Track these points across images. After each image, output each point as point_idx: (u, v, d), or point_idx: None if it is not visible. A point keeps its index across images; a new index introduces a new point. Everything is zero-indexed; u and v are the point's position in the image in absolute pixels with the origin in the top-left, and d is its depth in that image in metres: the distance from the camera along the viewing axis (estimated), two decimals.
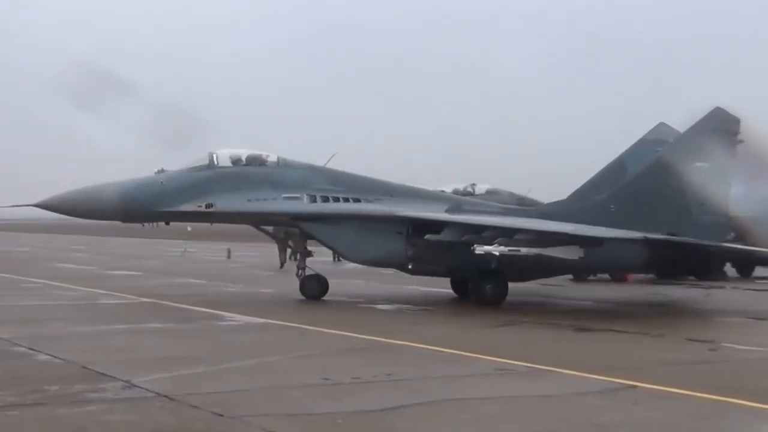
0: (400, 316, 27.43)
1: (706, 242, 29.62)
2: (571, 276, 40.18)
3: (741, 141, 30.73)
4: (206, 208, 30.63)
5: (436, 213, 30.84)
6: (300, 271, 32.48)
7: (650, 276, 43.16)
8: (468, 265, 29.78)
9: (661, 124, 34.95)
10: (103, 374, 15.69)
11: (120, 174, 33.63)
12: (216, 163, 31.16)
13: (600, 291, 37.72)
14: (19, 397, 13.59)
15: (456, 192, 52.21)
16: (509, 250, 28.53)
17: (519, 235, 28.59)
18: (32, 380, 15.08)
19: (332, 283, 32.57)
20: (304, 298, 31.56)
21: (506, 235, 28.72)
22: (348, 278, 36.30)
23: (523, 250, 28.53)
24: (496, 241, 28.76)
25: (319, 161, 32.41)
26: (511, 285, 30.66)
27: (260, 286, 36.49)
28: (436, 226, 29.59)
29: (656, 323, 26.61)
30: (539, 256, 28.47)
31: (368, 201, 31.57)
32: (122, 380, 15.06)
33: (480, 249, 28.84)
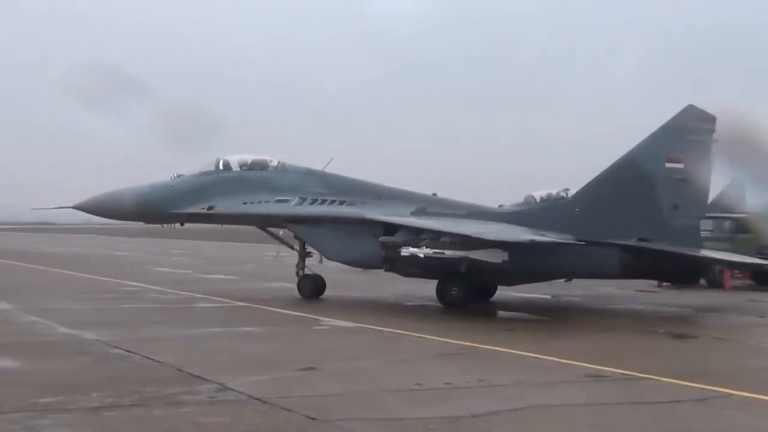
0: (492, 322, 27.29)
1: (660, 246, 28.40)
2: (656, 282, 39.28)
3: (716, 140, 29.07)
4: (208, 210, 33.09)
5: (401, 216, 30.91)
6: (299, 271, 33.81)
7: (748, 283, 42.36)
8: (437, 267, 29.36)
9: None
10: (197, 377, 15.88)
11: (149, 176, 35.60)
12: (221, 167, 33.59)
13: (696, 298, 37.02)
14: (116, 399, 13.83)
15: (549, 197, 51.88)
16: (434, 252, 28.37)
17: (444, 237, 28.38)
18: (129, 382, 15.33)
19: (424, 286, 32.55)
20: (301, 297, 32.83)
21: (434, 237, 28.58)
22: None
23: (448, 253, 28.30)
24: (422, 243, 28.70)
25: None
26: (515, 288, 30.58)
27: (351, 290, 36.60)
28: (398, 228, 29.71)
29: (752, 331, 26.07)
30: (526, 260, 28.13)
31: (354, 203, 32.42)
32: (216, 383, 15.23)
33: (406, 251, 28.89)
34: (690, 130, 28.93)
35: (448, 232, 28.15)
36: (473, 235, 27.17)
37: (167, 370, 16.73)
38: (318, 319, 25.98)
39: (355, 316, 26.64)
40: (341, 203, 32.56)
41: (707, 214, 42.55)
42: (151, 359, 17.94)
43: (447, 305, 29.66)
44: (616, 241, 28.40)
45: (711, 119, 28.98)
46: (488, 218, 31.20)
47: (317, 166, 34.62)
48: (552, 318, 28.53)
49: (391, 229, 29.89)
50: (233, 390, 14.64)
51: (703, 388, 15.49)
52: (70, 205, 36.22)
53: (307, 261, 34.60)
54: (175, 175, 34.18)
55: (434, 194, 33.68)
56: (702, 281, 43.95)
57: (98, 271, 48.07)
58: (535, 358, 18.96)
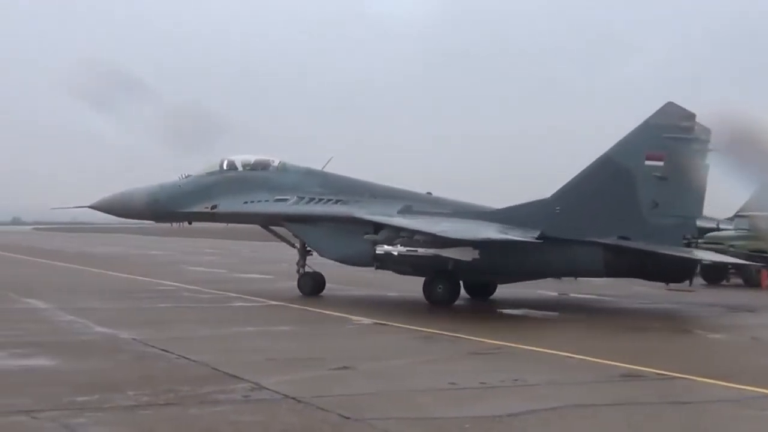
0: (526, 321, 27.20)
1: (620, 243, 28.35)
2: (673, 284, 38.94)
3: (695, 138, 28.74)
4: (211, 209, 34.12)
5: (388, 214, 31.32)
6: (300, 269, 34.31)
7: None
8: (425, 265, 29.65)
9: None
10: (232, 376, 15.95)
11: (160, 176, 37.22)
12: (225, 168, 34.60)
13: (732, 297, 36.76)
14: (152, 397, 13.92)
15: None
16: (407, 250, 28.87)
17: (417, 236, 28.69)
18: (165, 381, 15.42)
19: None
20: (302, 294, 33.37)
21: (409, 235, 29.04)
22: None
23: (420, 251, 28.77)
24: (397, 240, 29.19)
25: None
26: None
27: (388, 289, 36.58)
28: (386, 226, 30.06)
29: None
30: (506, 258, 28.73)
31: (350, 202, 32.94)
32: (251, 382, 15.28)
33: (380, 249, 29.48)
34: (669, 127, 28.68)
35: (417, 230, 28.62)
36: (438, 233, 27.65)
37: (202, 369, 16.81)
38: (351, 319, 26.01)
39: (387, 315, 26.64)
40: (337, 202, 33.13)
41: (743, 213, 42.30)
42: (187, 358, 18.03)
43: (433, 303, 29.95)
44: (595, 239, 28.50)
45: (690, 117, 28.73)
46: (472, 216, 31.30)
47: (332, 164, 35.35)
48: (584, 317, 28.41)
49: (380, 228, 30.26)
50: (268, 389, 14.69)
51: (740, 389, 15.38)
52: (87, 204, 37.50)
53: (310, 259, 34.90)
54: (184, 175, 35.17)
55: (429, 193, 34.17)
56: (739, 280, 43.74)
57: (134, 270, 48.37)
58: (569, 357, 18.89)
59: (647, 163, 28.55)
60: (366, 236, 29.98)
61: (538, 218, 29.48)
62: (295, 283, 34.42)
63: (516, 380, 16.03)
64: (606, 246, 28.46)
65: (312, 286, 33.94)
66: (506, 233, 27.79)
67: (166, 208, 34.99)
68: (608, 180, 28.94)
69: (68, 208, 44.55)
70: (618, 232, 28.54)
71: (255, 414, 12.95)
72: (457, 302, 31.58)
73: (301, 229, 33.65)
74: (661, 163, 28.51)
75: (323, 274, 34.48)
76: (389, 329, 23.95)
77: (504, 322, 27.10)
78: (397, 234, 29.34)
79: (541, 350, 19.76)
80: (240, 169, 34.78)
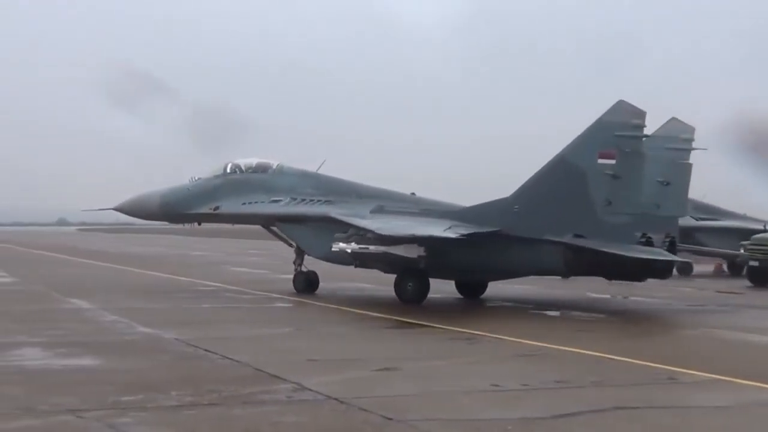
0: (568, 323, 27.03)
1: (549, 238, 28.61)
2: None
3: (646, 135, 28.67)
4: (214, 210, 35.87)
5: (361, 214, 32.22)
6: (297, 267, 35.39)
7: None
8: (396, 263, 30.35)
9: (674, 120, 32.65)
10: (275, 376, 15.99)
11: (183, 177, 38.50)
12: (228, 171, 36.15)
13: None
14: (195, 398, 13.98)
15: None
16: (360, 248, 29.62)
17: (369, 234, 29.39)
18: (208, 381, 15.49)
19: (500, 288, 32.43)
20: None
21: (362, 234, 29.88)
22: (517, 283, 36.01)
23: (371, 248, 29.43)
24: (352, 239, 30.00)
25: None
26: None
27: (431, 291, 36.44)
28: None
29: None
30: (466, 256, 29.49)
31: (336, 202, 33.92)
32: (294, 382, 15.31)
33: (336, 246, 30.25)
34: (620, 125, 28.52)
35: (363, 227, 29.78)
36: (374, 230, 29.06)
37: (245, 370, 16.87)
38: (394, 319, 25.99)
39: (428, 316, 26.58)
40: (326, 203, 34.10)
41: None
42: (230, 358, 18.11)
43: (404, 301, 30.36)
44: (553, 238, 28.73)
45: (641, 114, 28.63)
46: (438, 215, 31.82)
47: (345, 165, 36.07)
48: (629, 320, 28.19)
49: (359, 227, 30.83)
50: (310, 390, 14.71)
51: None
52: (112, 206, 39.54)
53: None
54: (195, 178, 36.88)
55: (413, 193, 34.88)
56: None
57: (176, 270, 48.66)
58: (612, 359, 18.76)
59: (599, 161, 28.59)
60: (336, 235, 30.81)
61: (498, 217, 29.93)
62: (336, 284, 34.79)
63: (558, 382, 15.96)
64: (566, 245, 28.70)
65: (304, 283, 35.04)
66: (449, 231, 28.57)
67: (176, 210, 36.78)
68: (563, 179, 29.13)
69: (96, 210, 46.61)
70: (573, 230, 28.70)
71: (297, 415, 12.98)
72: (499, 304, 31.51)
73: (289, 228, 35.23)
74: (612, 162, 28.50)
75: (317, 272, 35.56)
76: (431, 330, 23.90)
77: (545, 323, 26.96)
78: (357, 232, 30.15)
79: (584, 352, 19.62)
80: (242, 172, 36.19)
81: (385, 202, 33.64)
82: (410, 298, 30.44)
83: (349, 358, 18.78)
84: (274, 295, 33.65)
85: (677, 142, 31.97)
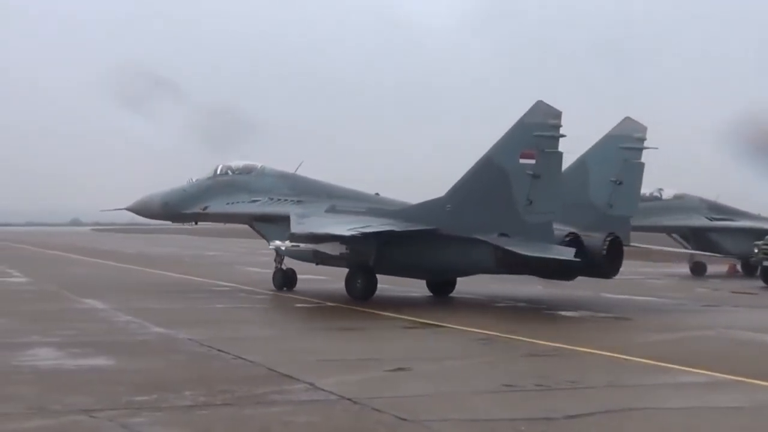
0: (582, 323, 26.98)
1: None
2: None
3: (563, 135, 28.83)
4: (203, 210, 37.95)
5: (316, 213, 33.96)
6: (276, 264, 36.66)
7: None
8: (351, 260, 31.75)
9: (627, 119, 33.23)
10: (288, 376, 15.99)
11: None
12: (218, 173, 37.95)
13: None
14: (208, 398, 13.99)
15: (642, 197, 51.24)
16: (291, 245, 31.03)
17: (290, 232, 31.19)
18: (221, 381, 15.50)
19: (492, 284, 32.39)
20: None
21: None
22: (531, 283, 36.00)
23: (302, 246, 30.94)
24: (287, 236, 31.29)
25: None
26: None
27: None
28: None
29: None
30: (399, 254, 30.98)
31: (306, 202, 35.38)
32: (306, 382, 15.31)
33: (272, 244, 32.13)
34: (539, 126, 28.88)
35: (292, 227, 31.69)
36: (292, 230, 31.37)
37: (258, 370, 16.87)
38: (406, 320, 25.97)
39: (441, 316, 26.53)
40: (298, 203, 35.41)
41: None
42: (243, 359, 18.12)
43: (353, 297, 31.37)
44: (479, 237, 29.32)
45: (557, 115, 28.89)
46: (381, 215, 32.75)
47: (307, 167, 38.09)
48: (640, 319, 28.06)
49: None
50: (323, 390, 14.70)
51: None
52: (124, 207, 41.93)
53: None
54: (193, 179, 38.82)
55: (377, 194, 35.76)
56: None
57: (189, 270, 48.76)
58: (626, 359, 18.70)
59: (521, 161, 29.01)
60: (290, 233, 31.97)
61: (433, 216, 30.75)
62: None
63: (572, 382, 15.91)
64: (490, 243, 29.30)
65: (282, 280, 36.27)
66: (352, 230, 29.87)
67: (174, 210, 38.88)
68: (489, 178, 29.67)
69: (112, 210, 48.18)
70: (499, 229, 29.17)
71: (310, 415, 12.98)
72: (512, 305, 31.45)
73: (264, 227, 36.60)
74: (533, 161, 28.85)
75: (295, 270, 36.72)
76: (444, 330, 23.88)
77: (559, 323, 26.91)
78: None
79: (597, 352, 19.57)
80: (230, 174, 37.90)
81: (338, 201, 34.91)
82: (359, 294, 31.54)
83: (362, 358, 18.77)
84: (286, 296, 33.67)
85: (630, 142, 32.65)
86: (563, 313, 29.29)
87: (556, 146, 28.86)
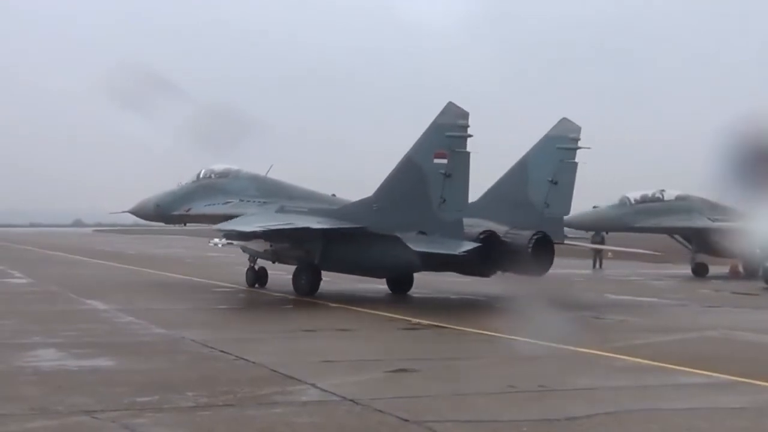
0: (584, 324, 26.95)
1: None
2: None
3: (470, 135, 29.61)
4: (186, 211, 39.48)
5: (267, 213, 35.11)
6: (250, 263, 38.10)
7: None
8: (296, 257, 34.00)
9: (564, 120, 33.90)
10: (290, 377, 15.99)
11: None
12: (202, 176, 39.51)
13: None
14: (211, 399, 14.00)
15: (644, 198, 51.26)
16: (227, 242, 32.69)
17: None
18: (223, 382, 15.51)
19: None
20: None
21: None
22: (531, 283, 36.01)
23: (235, 243, 33.26)
24: (224, 234, 33.78)
25: None
26: None
27: (449, 292, 36.53)
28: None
29: None
30: (334, 251, 32.36)
31: (269, 203, 36.59)
32: (309, 383, 15.32)
33: (211, 242, 33.56)
34: (450, 126, 29.73)
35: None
36: (217, 228, 34.53)
37: (260, 371, 16.87)
38: (409, 320, 25.97)
39: (444, 316, 26.54)
40: (263, 204, 36.63)
41: None
42: (245, 359, 18.12)
43: (299, 294, 33.09)
44: (400, 235, 30.02)
45: (465, 115, 29.71)
46: (319, 214, 33.86)
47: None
48: (643, 320, 28.05)
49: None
50: (326, 390, 14.71)
51: None
52: (127, 209, 43.75)
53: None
54: (182, 182, 40.32)
55: (333, 195, 36.89)
56: None
57: (191, 272, 48.71)
58: (628, 360, 18.71)
59: (435, 161, 29.84)
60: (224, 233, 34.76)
61: (363, 215, 31.83)
62: (352, 285, 35.08)
63: (577, 384, 15.92)
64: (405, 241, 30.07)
65: (253, 279, 37.81)
66: (256, 226, 31.99)
67: (166, 212, 40.50)
68: (409, 178, 30.48)
69: (118, 212, 48.83)
70: (418, 227, 29.96)
71: (312, 416, 12.98)
72: (514, 304, 31.42)
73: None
74: (445, 161, 29.65)
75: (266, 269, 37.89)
76: (447, 331, 23.88)
77: (562, 324, 26.79)
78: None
79: (600, 353, 19.56)
80: (212, 176, 39.58)
81: (290, 202, 36.05)
82: (303, 290, 33.16)
83: (365, 359, 18.78)
84: (290, 297, 33.67)
85: (566, 142, 33.32)
86: (564, 313, 29.26)
87: (465, 146, 29.73)
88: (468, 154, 29.67)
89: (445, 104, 30.06)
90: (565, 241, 35.82)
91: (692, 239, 51.18)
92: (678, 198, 51.20)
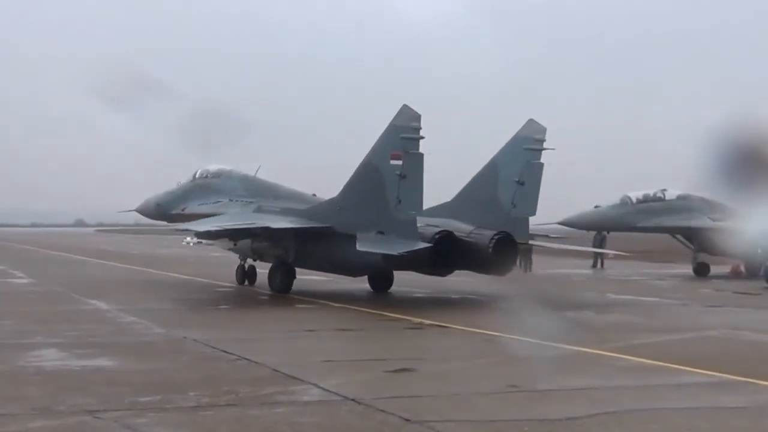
0: (585, 324, 26.94)
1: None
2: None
3: (422, 137, 30.16)
4: (182, 211, 40.15)
5: (246, 212, 36.37)
6: (240, 261, 38.71)
7: None
8: (277, 256, 34.75)
9: (531, 121, 34.23)
10: (293, 377, 16.02)
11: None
12: (198, 176, 40.48)
13: None
14: (213, 398, 14.03)
15: (646, 198, 51.23)
16: (197, 241, 33.53)
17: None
18: (225, 382, 15.54)
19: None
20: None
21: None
22: (531, 284, 36.06)
23: (204, 241, 34.17)
24: (194, 233, 34.81)
25: None
26: None
27: (451, 291, 36.54)
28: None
29: None
30: (305, 250, 33.29)
31: (254, 202, 37.49)
32: (311, 383, 15.34)
33: (184, 241, 34.75)
34: (404, 128, 30.26)
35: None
36: (190, 225, 35.60)
37: (263, 371, 16.90)
38: (410, 320, 25.98)
39: (446, 316, 26.52)
40: (249, 203, 37.52)
41: None
42: (247, 359, 18.14)
43: (273, 290, 34.27)
44: (358, 234, 30.49)
45: (418, 117, 30.24)
46: (291, 214, 34.84)
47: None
48: (644, 319, 28.05)
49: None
50: (328, 390, 14.73)
51: None
52: (133, 208, 45.03)
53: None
54: (180, 182, 41.33)
55: (314, 195, 37.56)
56: None
57: (194, 271, 48.68)
58: (630, 359, 18.72)
59: (391, 162, 30.37)
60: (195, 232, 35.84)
61: (330, 215, 32.62)
62: (354, 285, 35.13)
63: (576, 383, 15.93)
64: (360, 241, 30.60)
65: (242, 276, 38.49)
66: (212, 225, 34.21)
67: (165, 211, 41.51)
68: (368, 179, 31.09)
69: (126, 211, 49.67)
70: (377, 227, 30.47)
71: (314, 416, 13.00)
72: (515, 305, 31.42)
73: None
74: (400, 162, 30.20)
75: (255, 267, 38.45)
76: (449, 331, 23.87)
77: (563, 324, 26.81)
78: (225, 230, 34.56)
79: (601, 353, 19.58)
80: (207, 177, 40.46)
81: (269, 202, 37.03)
82: (277, 287, 34.24)
83: (367, 358, 18.81)
84: (294, 297, 33.67)
85: (532, 143, 33.68)
86: (567, 313, 29.28)
87: (418, 147, 30.26)
88: (422, 155, 30.22)
89: (400, 106, 30.53)
90: (530, 241, 36.53)
91: (694, 239, 51.15)
92: (679, 197, 51.17)
